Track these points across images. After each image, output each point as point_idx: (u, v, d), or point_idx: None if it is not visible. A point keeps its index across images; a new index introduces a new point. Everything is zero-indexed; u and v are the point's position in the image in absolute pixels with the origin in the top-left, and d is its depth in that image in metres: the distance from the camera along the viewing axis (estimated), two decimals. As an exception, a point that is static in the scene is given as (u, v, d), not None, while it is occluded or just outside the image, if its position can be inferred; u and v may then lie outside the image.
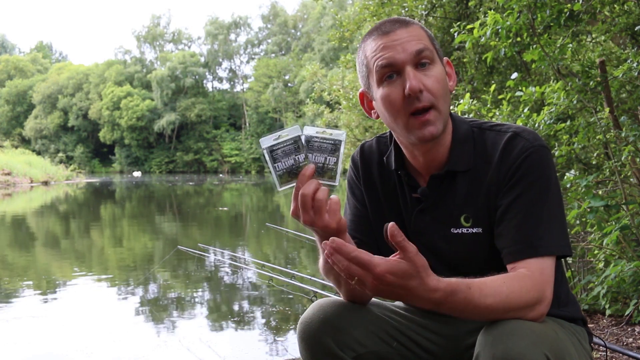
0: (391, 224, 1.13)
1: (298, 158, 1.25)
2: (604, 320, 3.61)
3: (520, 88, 3.90)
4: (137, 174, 57.64)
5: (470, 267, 1.40)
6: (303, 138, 1.25)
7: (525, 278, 1.26)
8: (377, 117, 1.45)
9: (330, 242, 1.12)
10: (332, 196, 1.28)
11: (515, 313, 1.21)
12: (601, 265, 3.79)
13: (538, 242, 1.29)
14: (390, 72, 1.35)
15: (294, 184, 1.25)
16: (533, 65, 3.96)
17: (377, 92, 1.39)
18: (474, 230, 1.40)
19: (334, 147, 1.25)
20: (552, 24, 3.60)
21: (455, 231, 1.42)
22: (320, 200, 1.24)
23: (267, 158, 1.24)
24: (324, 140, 1.25)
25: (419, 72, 1.34)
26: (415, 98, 1.33)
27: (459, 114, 3.95)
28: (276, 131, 1.27)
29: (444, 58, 1.44)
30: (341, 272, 1.14)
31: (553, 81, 4.26)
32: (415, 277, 1.13)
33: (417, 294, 1.15)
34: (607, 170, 3.81)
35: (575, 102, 3.70)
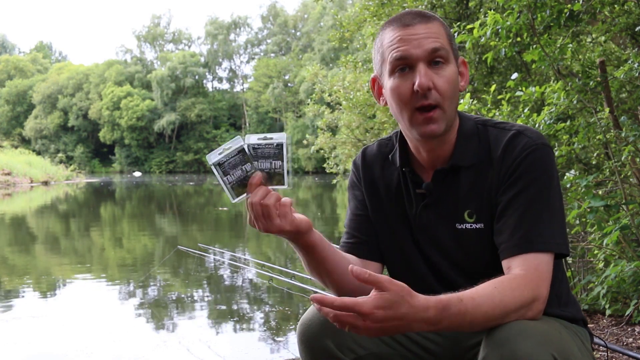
0: (350, 267, 1.12)
1: (245, 168, 1.27)
2: (604, 320, 3.61)
3: (520, 88, 3.90)
4: (137, 174, 57.60)
5: (475, 263, 1.41)
6: (246, 147, 1.27)
7: (518, 278, 1.26)
8: (385, 104, 1.46)
9: (313, 298, 1.12)
10: (284, 198, 1.29)
11: (513, 315, 1.21)
12: (601, 265, 3.79)
13: (536, 238, 1.29)
14: (403, 64, 1.36)
15: (246, 195, 1.28)
16: (533, 66, 3.96)
17: (388, 82, 1.40)
18: (477, 225, 1.40)
19: (278, 150, 1.28)
20: (552, 24, 3.59)
21: (460, 227, 1.42)
22: (268, 206, 1.26)
23: (217, 173, 1.27)
24: (267, 146, 1.28)
25: (431, 69, 1.35)
26: (422, 95, 1.34)
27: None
28: (220, 146, 1.30)
29: (459, 57, 1.44)
30: (334, 323, 1.12)
31: (553, 81, 4.26)
32: (402, 303, 1.11)
33: (411, 318, 1.12)
34: (607, 170, 3.81)
35: (575, 102, 3.70)
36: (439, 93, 1.35)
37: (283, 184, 1.28)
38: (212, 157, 1.27)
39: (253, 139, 1.28)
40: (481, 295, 1.20)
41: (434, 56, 1.35)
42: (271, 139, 1.27)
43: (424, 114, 1.36)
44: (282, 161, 1.27)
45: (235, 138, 1.27)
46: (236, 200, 1.28)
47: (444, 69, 1.36)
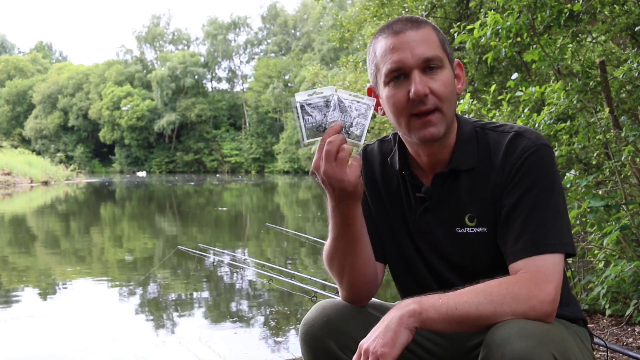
0: None
1: (328, 115, 1.30)
2: (604, 320, 3.61)
3: (520, 88, 3.90)
4: (141, 173, 57.38)
5: (476, 268, 1.40)
6: (335, 97, 1.30)
7: (514, 277, 1.26)
8: (383, 113, 1.46)
9: None
10: (355, 155, 1.31)
11: (506, 309, 1.21)
12: (601, 265, 3.78)
13: (541, 241, 1.29)
14: (397, 74, 1.37)
15: (319, 139, 1.29)
16: (533, 66, 3.96)
17: (384, 91, 1.40)
18: (479, 229, 1.40)
19: (364, 109, 1.31)
20: (552, 24, 3.59)
21: (460, 231, 1.41)
22: (345, 151, 1.27)
23: (299, 112, 1.30)
24: (355, 102, 1.31)
25: (426, 75, 1.35)
26: (419, 101, 1.34)
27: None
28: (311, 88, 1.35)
29: (455, 60, 1.44)
30: None
31: (553, 81, 4.26)
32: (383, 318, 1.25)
33: (394, 314, 1.21)
34: (607, 170, 3.81)
35: (575, 102, 3.70)
36: (437, 96, 1.35)
37: (359, 141, 1.31)
38: (299, 97, 1.30)
39: (344, 93, 1.31)
40: (467, 288, 1.23)
41: (428, 64, 1.35)
42: (362, 98, 1.31)
43: (421, 118, 1.36)
44: (366, 120, 1.30)
45: (328, 86, 1.32)
46: (307, 141, 1.30)
47: (440, 73, 1.36)
